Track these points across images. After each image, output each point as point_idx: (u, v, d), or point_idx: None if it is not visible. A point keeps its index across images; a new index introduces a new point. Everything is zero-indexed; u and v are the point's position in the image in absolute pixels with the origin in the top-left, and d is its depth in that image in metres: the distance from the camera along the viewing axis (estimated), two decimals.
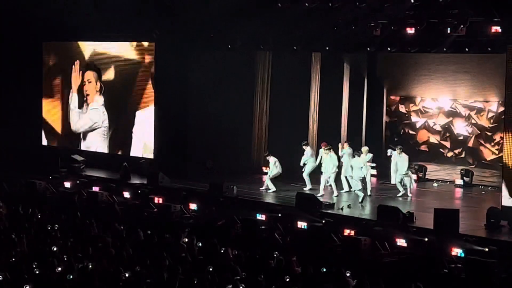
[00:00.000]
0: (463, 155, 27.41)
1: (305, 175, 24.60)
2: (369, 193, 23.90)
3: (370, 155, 25.14)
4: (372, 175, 25.26)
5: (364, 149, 25.05)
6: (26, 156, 28.64)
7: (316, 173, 24.65)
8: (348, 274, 14.81)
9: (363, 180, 23.59)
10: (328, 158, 23.92)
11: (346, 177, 24.45)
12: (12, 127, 29.97)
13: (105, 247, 16.42)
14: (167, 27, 26.81)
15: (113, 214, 21.96)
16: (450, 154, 27.75)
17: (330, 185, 23.96)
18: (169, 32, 26.96)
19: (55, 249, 15.92)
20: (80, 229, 18.79)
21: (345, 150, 24.87)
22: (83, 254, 15.66)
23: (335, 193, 23.75)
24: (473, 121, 27.22)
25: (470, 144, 27.29)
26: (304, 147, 24.95)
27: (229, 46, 27.31)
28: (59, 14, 27.53)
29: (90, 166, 28.24)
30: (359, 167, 23.43)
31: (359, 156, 23.90)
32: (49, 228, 18.41)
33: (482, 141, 27.00)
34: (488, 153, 26.83)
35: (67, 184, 25.33)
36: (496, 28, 22.15)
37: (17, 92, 30.42)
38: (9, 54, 29.92)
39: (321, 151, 24.44)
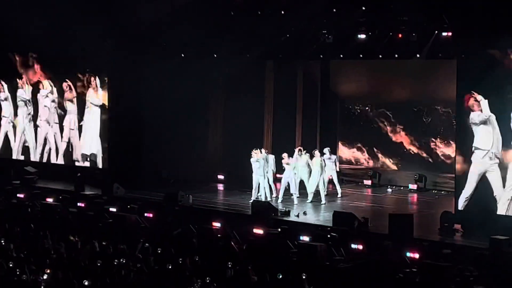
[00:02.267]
0: (416, 160, 27.63)
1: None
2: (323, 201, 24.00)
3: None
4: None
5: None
6: None
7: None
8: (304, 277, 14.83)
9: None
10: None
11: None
12: None
13: (60, 259, 16.25)
14: (120, 37, 26.66)
15: (68, 225, 21.73)
16: (403, 159, 27.96)
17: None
18: (122, 42, 26.81)
19: (11, 265, 15.70)
20: (34, 241, 18.56)
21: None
22: (37, 267, 15.48)
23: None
24: (426, 127, 27.45)
25: (423, 149, 27.54)
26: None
27: (183, 55, 27.31)
28: (9, 26, 27.15)
29: (43, 178, 27.94)
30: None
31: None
32: (1, 242, 18.14)
33: (435, 146, 27.27)
34: (441, 158, 27.08)
35: (20, 196, 25.02)
36: (447, 34, 22.48)
37: None
38: None
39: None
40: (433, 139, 27.26)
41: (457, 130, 21.57)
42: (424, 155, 27.46)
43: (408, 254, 17.54)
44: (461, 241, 19.29)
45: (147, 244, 17.97)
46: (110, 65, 27.82)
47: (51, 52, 28.68)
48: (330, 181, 25.37)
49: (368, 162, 28.65)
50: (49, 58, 29.43)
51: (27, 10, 26.89)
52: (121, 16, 25.79)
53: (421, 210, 23.47)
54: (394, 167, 28.12)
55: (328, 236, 19.26)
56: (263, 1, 23.84)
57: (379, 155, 28.52)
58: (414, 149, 27.71)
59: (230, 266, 15.91)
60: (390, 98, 28.24)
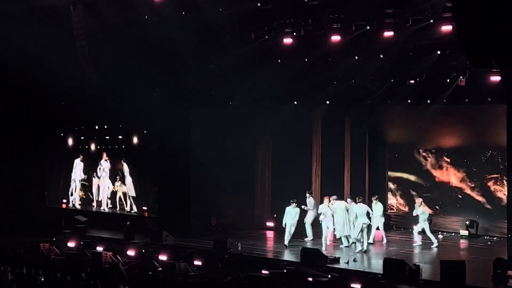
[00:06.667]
0: (466, 206, 27.28)
1: (307, 225, 24.59)
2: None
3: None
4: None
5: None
6: (30, 218, 28.60)
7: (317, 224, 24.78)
8: None
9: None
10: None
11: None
12: (15, 189, 30.00)
13: None
14: (168, 86, 26.88)
15: (118, 274, 21.78)
16: (453, 205, 27.63)
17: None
18: (170, 90, 27.02)
19: None
20: None
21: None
22: None
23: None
24: (477, 172, 27.10)
25: (474, 194, 27.19)
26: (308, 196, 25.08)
27: (230, 103, 27.45)
28: None
29: (93, 226, 28.15)
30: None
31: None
32: None
33: (486, 192, 26.90)
34: (494, 203, 26.69)
35: (71, 245, 25.22)
36: (495, 78, 22.29)
37: (20, 152, 30.50)
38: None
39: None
40: (486, 181, 26.88)
41: (508, 175, 21.27)
42: (479, 199, 27.07)
43: None
44: None
45: None
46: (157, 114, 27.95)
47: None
48: (377, 228, 25.17)
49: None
50: None
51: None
52: (168, 65, 26.00)
53: (473, 256, 23.10)
54: (445, 212, 27.76)
55: (380, 283, 19.05)
56: (310, 49, 23.89)
57: (429, 200, 28.19)
58: (469, 192, 27.34)
59: None
60: (440, 142, 28.01)
